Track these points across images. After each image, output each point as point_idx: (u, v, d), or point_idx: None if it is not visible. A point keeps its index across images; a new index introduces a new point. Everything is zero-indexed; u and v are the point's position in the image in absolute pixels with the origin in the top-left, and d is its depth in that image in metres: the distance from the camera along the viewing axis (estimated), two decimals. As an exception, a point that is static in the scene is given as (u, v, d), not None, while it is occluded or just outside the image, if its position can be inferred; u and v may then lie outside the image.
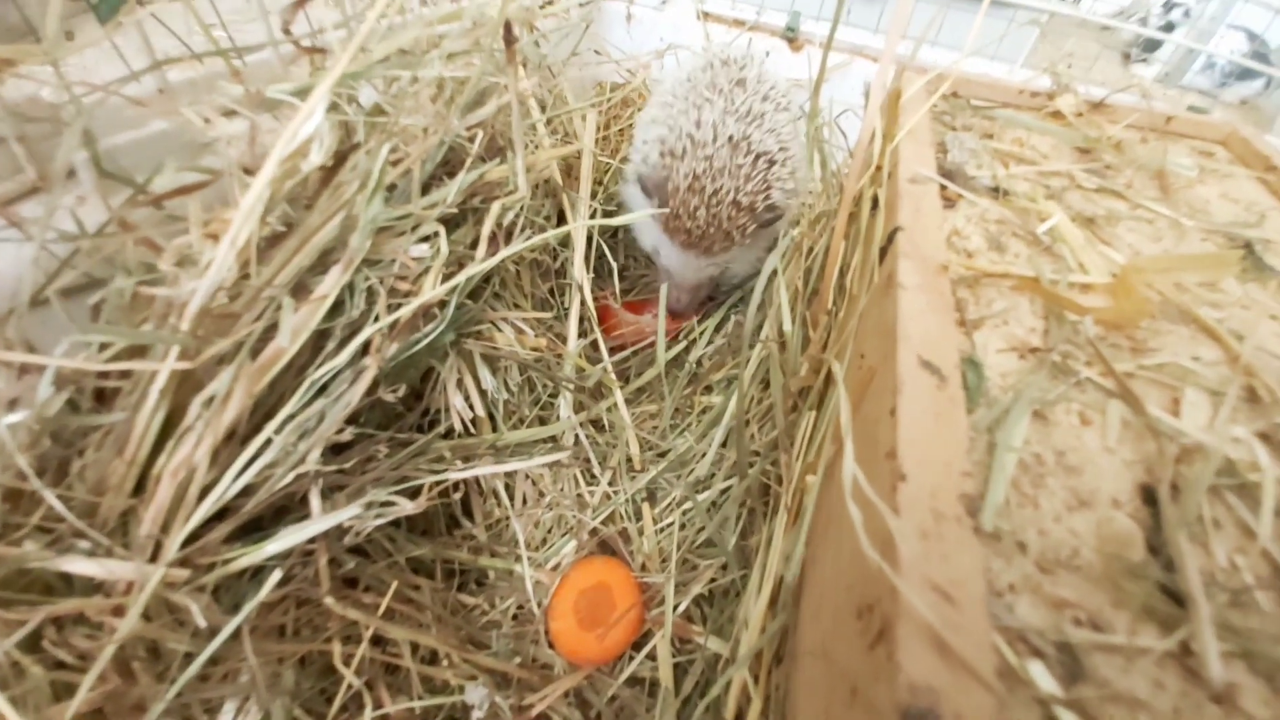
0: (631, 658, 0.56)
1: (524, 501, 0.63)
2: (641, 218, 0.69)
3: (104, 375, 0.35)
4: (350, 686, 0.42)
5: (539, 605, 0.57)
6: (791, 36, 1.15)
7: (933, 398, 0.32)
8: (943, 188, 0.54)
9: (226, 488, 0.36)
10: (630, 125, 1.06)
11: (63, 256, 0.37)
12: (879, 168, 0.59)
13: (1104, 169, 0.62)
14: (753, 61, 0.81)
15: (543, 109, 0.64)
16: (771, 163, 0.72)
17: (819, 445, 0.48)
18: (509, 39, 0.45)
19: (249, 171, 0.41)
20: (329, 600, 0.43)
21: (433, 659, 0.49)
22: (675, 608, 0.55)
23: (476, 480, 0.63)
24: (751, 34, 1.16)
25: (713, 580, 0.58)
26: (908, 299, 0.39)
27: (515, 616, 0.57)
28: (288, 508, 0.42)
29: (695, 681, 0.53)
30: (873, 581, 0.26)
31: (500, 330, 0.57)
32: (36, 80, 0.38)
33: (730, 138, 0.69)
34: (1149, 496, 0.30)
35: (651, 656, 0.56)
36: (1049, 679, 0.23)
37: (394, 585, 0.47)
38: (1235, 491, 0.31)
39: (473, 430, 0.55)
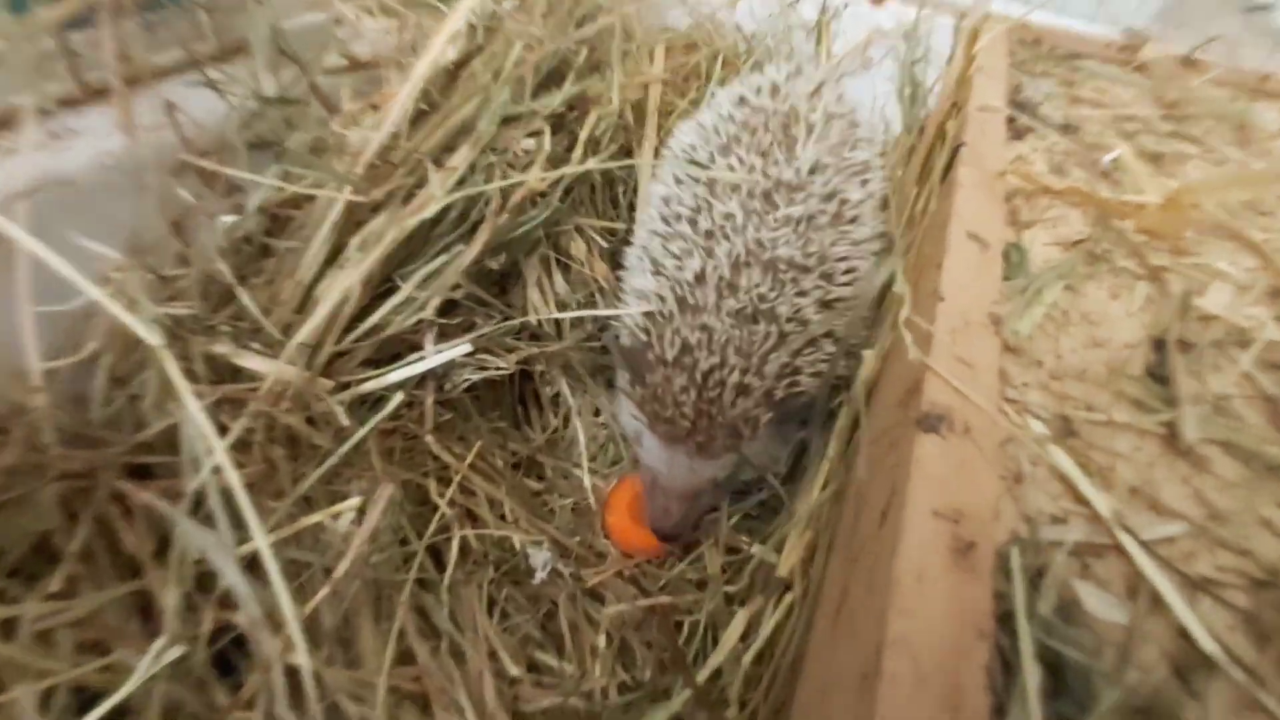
0: (682, 559, 0.69)
1: (579, 413, 0.77)
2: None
3: (283, 206, 0.50)
4: (443, 516, 0.56)
5: (595, 503, 0.70)
6: (874, -11, 1.28)
7: (976, 259, 0.45)
8: (1011, 120, 0.66)
9: (370, 318, 0.51)
10: (696, 69, 1.19)
11: (248, 114, 0.52)
12: (955, 104, 0.72)
13: (1183, 118, 0.74)
14: (820, 116, 0.62)
15: (629, 38, 0.79)
16: (808, 341, 0.54)
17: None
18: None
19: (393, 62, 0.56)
20: (429, 438, 0.57)
21: (503, 520, 0.63)
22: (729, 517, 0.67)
23: (536, 392, 0.77)
24: (830, -13, 1.30)
25: (761, 503, 0.71)
26: (963, 193, 0.51)
27: (573, 510, 0.71)
28: (399, 354, 0.57)
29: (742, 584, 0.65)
30: (912, 372, 0.38)
31: (576, 240, 0.72)
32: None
33: (742, 311, 0.53)
34: (1159, 344, 0.42)
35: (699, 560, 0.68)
36: (1043, 429, 0.35)
37: (478, 444, 0.62)
38: (1239, 346, 0.42)
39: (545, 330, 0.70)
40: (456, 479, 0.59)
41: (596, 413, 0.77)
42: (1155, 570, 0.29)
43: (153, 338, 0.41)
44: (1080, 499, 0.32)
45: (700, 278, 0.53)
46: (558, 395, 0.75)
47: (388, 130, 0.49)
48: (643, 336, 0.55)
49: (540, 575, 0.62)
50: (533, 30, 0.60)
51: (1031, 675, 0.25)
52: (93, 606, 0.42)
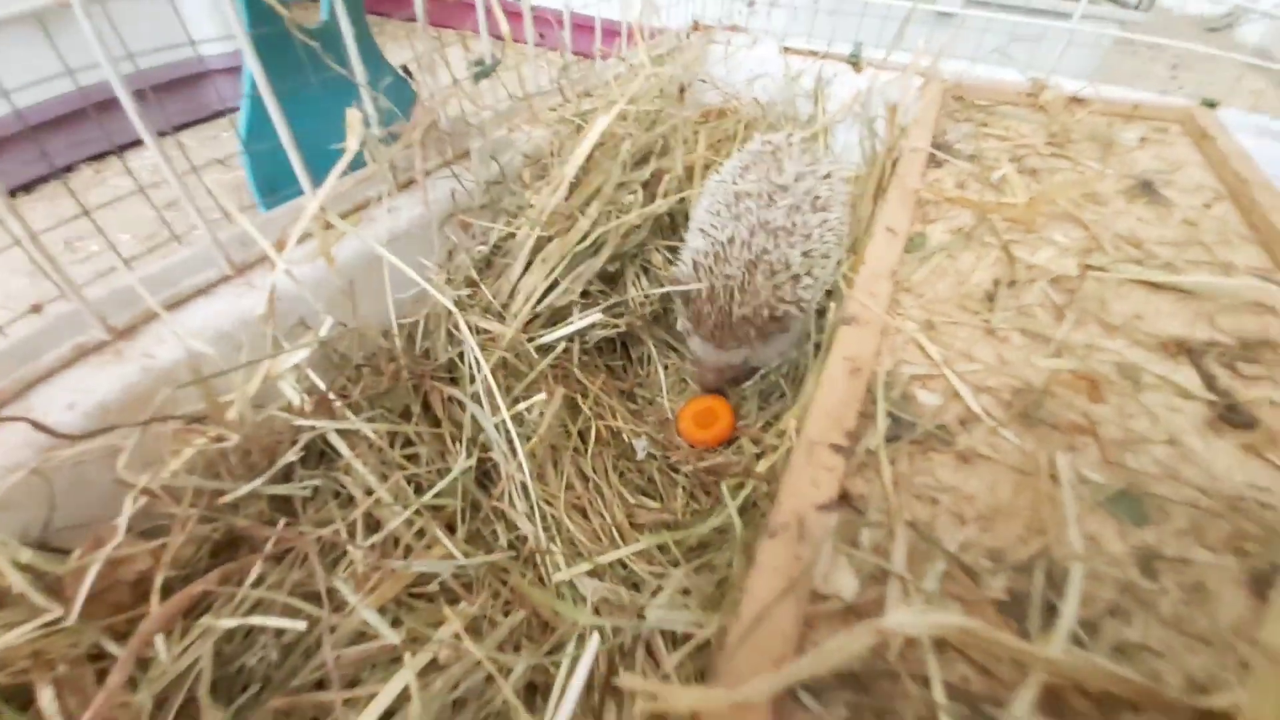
0: (727, 446, 0.90)
1: (659, 362, 0.99)
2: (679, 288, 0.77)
3: (503, 241, 0.76)
4: (585, 415, 0.80)
5: (671, 414, 0.93)
6: (855, 62, 1.45)
7: (888, 241, 0.64)
8: (932, 156, 0.84)
9: (545, 299, 0.76)
10: (729, 136, 1.40)
11: (475, 194, 0.79)
12: (894, 148, 0.90)
13: (1064, 142, 0.89)
14: (797, 151, 0.84)
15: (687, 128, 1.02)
16: (792, 277, 0.73)
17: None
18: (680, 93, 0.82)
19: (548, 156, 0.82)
20: (576, 370, 0.81)
21: (618, 425, 0.87)
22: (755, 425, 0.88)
23: (628, 351, 1.00)
24: (823, 61, 1.48)
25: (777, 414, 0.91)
26: (888, 203, 0.70)
27: (659, 420, 0.94)
28: (562, 320, 0.82)
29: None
30: (846, 300, 0.58)
31: (655, 254, 0.94)
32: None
33: (750, 260, 0.73)
34: (995, 285, 0.60)
35: (739, 450, 0.89)
36: (914, 325, 0.54)
37: (602, 376, 0.86)
38: (1047, 280, 0.60)
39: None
40: (592, 394, 0.83)
41: (666, 368, 1.00)
42: (959, 381, 0.48)
43: (451, 306, 0.67)
44: (927, 355, 0.51)
45: (730, 241, 0.74)
46: (645, 352, 0.99)
47: (558, 196, 0.74)
48: (691, 278, 0.76)
49: (640, 454, 0.85)
50: (631, 132, 0.83)
51: (881, 422, 0.45)
52: (425, 445, 0.68)
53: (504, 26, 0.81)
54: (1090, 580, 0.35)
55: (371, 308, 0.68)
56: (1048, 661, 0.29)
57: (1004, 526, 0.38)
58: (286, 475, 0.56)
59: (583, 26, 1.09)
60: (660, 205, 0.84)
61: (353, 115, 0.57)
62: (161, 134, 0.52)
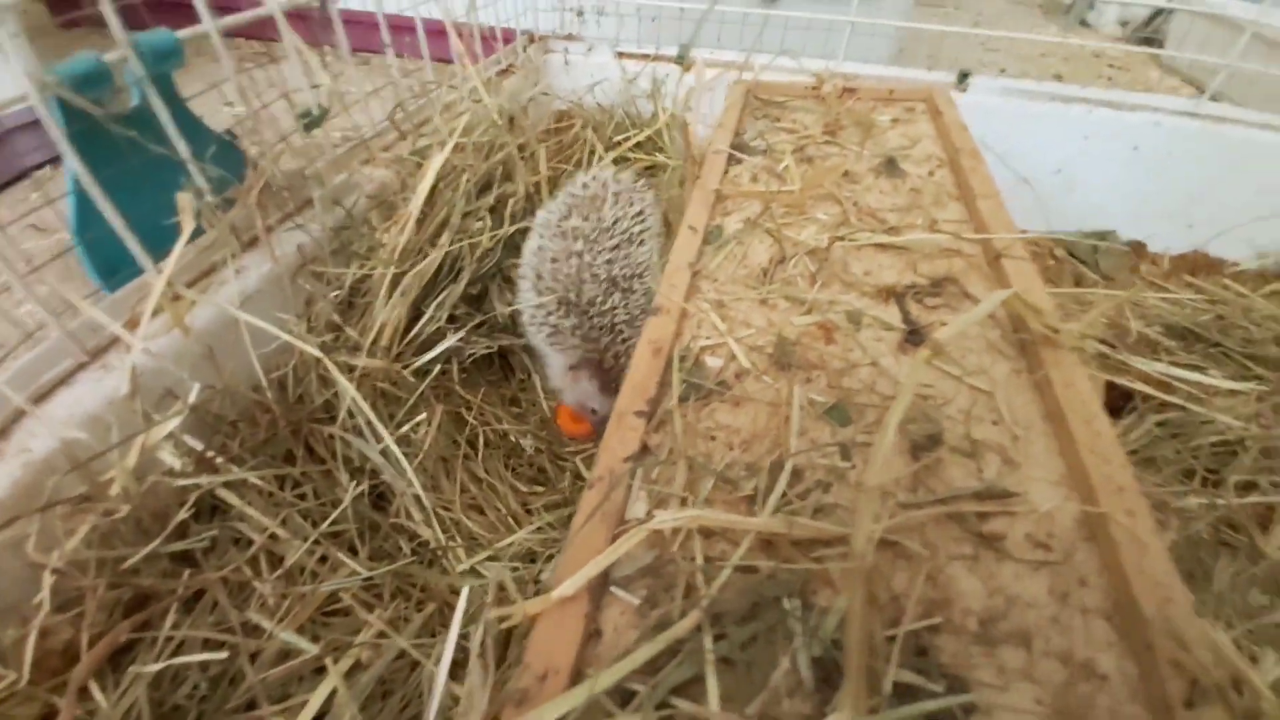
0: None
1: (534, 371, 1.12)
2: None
3: (359, 282, 0.84)
4: (472, 426, 0.91)
5: (551, 411, 1.06)
6: (682, 63, 1.63)
7: (689, 238, 0.80)
8: (731, 155, 1.02)
9: (414, 329, 0.85)
10: (575, 137, 1.53)
11: (324, 242, 0.86)
12: (701, 151, 1.07)
13: (837, 130, 1.11)
14: (612, 198, 0.95)
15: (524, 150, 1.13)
16: (627, 318, 0.87)
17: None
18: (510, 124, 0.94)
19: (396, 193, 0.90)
20: (457, 387, 0.92)
21: (504, 429, 0.98)
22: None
23: (507, 359, 1.12)
24: (655, 63, 1.65)
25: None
26: (691, 205, 0.87)
27: (540, 419, 1.06)
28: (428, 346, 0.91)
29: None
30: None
31: (514, 271, 1.06)
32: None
33: (628, 320, 0.86)
34: (770, 263, 0.78)
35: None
36: (708, 306, 0.71)
37: (483, 388, 0.97)
38: (809, 255, 0.79)
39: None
40: (475, 405, 0.94)
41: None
42: (735, 345, 0.65)
43: (316, 352, 0.75)
44: (715, 329, 0.68)
45: (581, 300, 0.87)
46: (521, 362, 1.11)
47: (407, 233, 0.84)
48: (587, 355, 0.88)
49: (529, 450, 0.98)
50: (470, 163, 0.94)
51: (676, 387, 0.61)
52: (314, 482, 0.76)
53: (346, 58, 0.88)
54: (807, 468, 0.52)
55: (239, 365, 0.74)
56: (759, 524, 0.45)
57: (757, 446, 0.55)
58: (183, 533, 0.63)
59: (431, 32, 1.16)
60: (508, 229, 0.95)
61: (182, 199, 0.63)
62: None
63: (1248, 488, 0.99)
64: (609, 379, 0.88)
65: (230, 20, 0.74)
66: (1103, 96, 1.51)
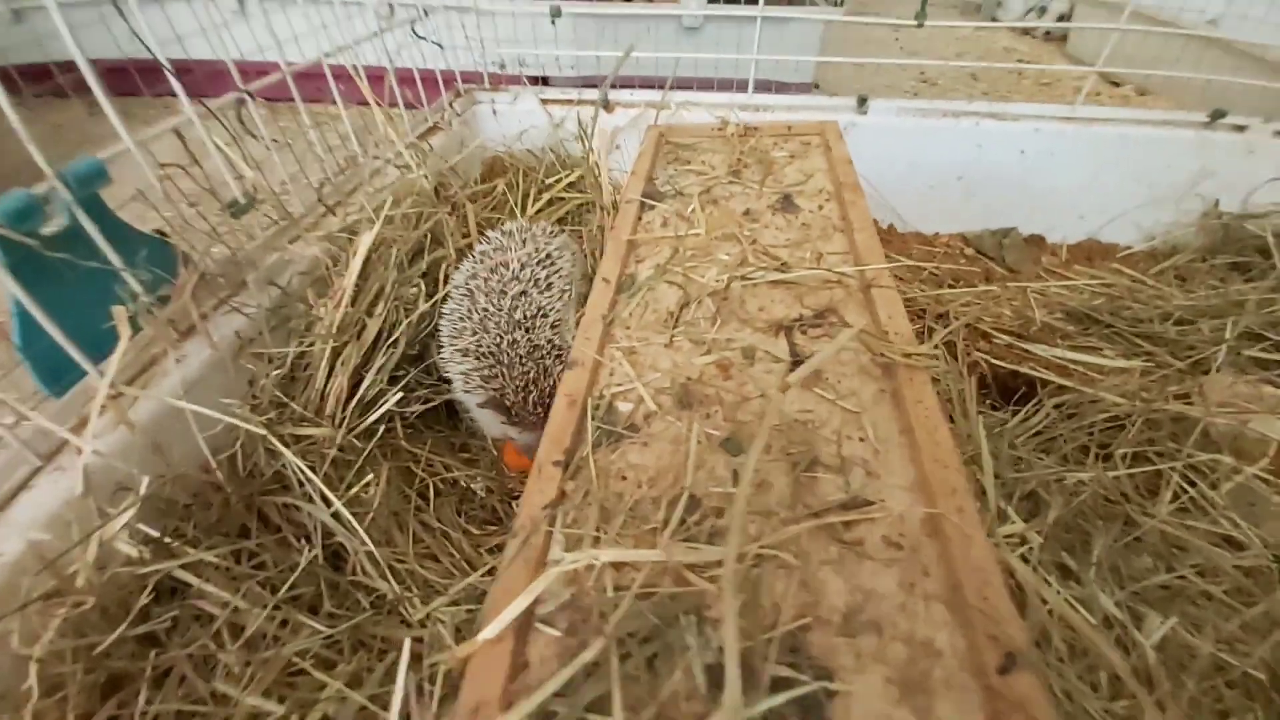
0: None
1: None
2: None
3: (300, 357, 0.90)
4: (421, 478, 0.97)
5: (497, 451, 1.13)
6: (605, 104, 1.74)
7: (603, 289, 0.89)
8: (643, 202, 1.12)
9: (356, 394, 0.91)
10: (510, 182, 1.61)
11: (259, 322, 0.92)
12: (615, 201, 1.17)
13: (741, 169, 1.22)
14: (519, 247, 1.04)
15: (454, 209, 1.21)
16: (555, 348, 0.96)
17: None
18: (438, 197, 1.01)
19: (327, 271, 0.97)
20: (403, 442, 0.98)
21: (453, 476, 1.05)
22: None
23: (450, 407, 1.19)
24: (579, 108, 1.75)
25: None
26: (605, 256, 0.96)
27: (490, 462, 1.13)
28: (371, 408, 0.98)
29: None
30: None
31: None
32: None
33: (529, 350, 0.93)
34: (678, 306, 0.87)
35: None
36: (620, 353, 0.79)
37: (429, 439, 1.03)
38: (712, 296, 0.88)
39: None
40: (423, 458, 1.00)
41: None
42: (642, 389, 0.74)
43: (259, 430, 0.80)
44: (625, 375, 0.76)
45: (496, 348, 0.93)
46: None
47: (343, 307, 0.90)
48: (495, 395, 0.94)
49: (480, 493, 1.05)
50: (400, 235, 1.01)
51: (590, 434, 0.69)
52: (270, 551, 0.81)
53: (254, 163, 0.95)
54: (704, 496, 0.61)
55: (187, 449, 0.79)
56: (650, 555, 0.53)
57: (662, 481, 0.64)
58: (146, 616, 0.68)
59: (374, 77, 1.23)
60: (442, 292, 1.03)
61: (118, 311, 0.69)
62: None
63: (1136, 459, 1.11)
64: (515, 412, 0.95)
65: (152, 132, 0.80)
66: (988, 109, 1.67)
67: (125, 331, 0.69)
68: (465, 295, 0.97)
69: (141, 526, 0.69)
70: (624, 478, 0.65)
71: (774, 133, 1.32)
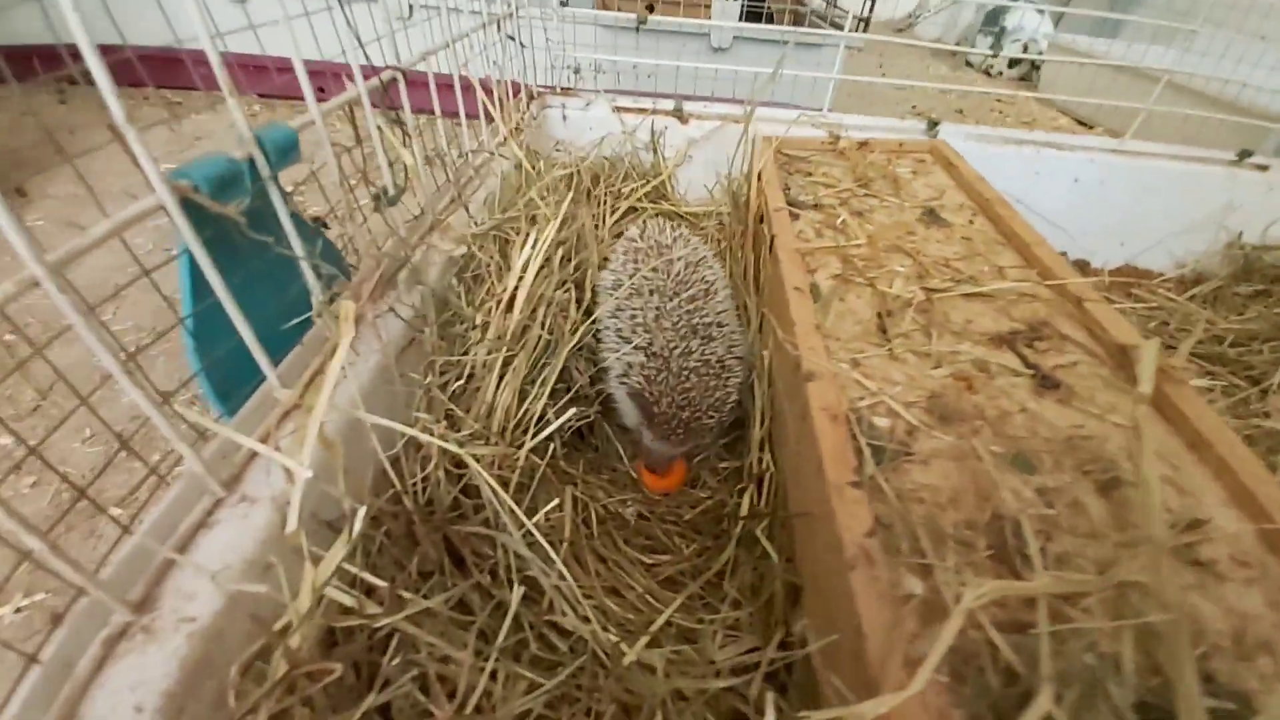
0: (689, 486, 1.05)
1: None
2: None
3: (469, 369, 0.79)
4: (584, 503, 0.88)
5: (634, 472, 1.05)
6: (679, 115, 1.71)
7: (800, 298, 0.84)
8: (790, 212, 1.09)
9: (523, 407, 0.82)
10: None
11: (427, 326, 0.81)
12: (760, 209, 1.13)
13: (867, 182, 1.21)
14: (681, 242, 1.01)
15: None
16: (722, 368, 0.87)
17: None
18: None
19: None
20: (562, 463, 0.89)
21: (608, 501, 0.96)
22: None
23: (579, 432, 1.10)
24: (653, 116, 1.71)
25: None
26: (784, 264, 0.91)
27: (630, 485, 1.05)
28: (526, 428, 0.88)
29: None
30: (791, 360, 0.76)
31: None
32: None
33: (688, 366, 0.86)
34: (879, 315, 0.84)
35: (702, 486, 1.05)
36: (846, 365, 0.75)
37: (582, 462, 0.94)
38: (907, 306, 0.85)
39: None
40: (579, 479, 0.91)
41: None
42: (894, 403, 0.69)
43: (454, 448, 0.70)
44: (864, 388, 0.71)
45: (666, 349, 0.87)
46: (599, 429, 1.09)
47: (517, 311, 0.81)
48: (645, 397, 0.87)
49: (631, 520, 0.96)
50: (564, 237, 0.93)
51: (866, 450, 0.63)
52: (457, 587, 0.70)
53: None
54: (1022, 520, 0.57)
55: (361, 472, 0.68)
56: (1044, 586, 0.48)
57: (964, 502, 0.59)
58: (369, 680, 0.56)
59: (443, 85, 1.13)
60: (609, 306, 0.94)
61: (345, 308, 0.59)
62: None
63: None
64: (659, 423, 0.88)
65: (330, 104, 0.70)
66: (1045, 139, 1.74)
67: (348, 331, 0.58)
68: (633, 293, 0.92)
69: (348, 567, 0.58)
70: (920, 500, 0.59)
71: (885, 149, 1.32)
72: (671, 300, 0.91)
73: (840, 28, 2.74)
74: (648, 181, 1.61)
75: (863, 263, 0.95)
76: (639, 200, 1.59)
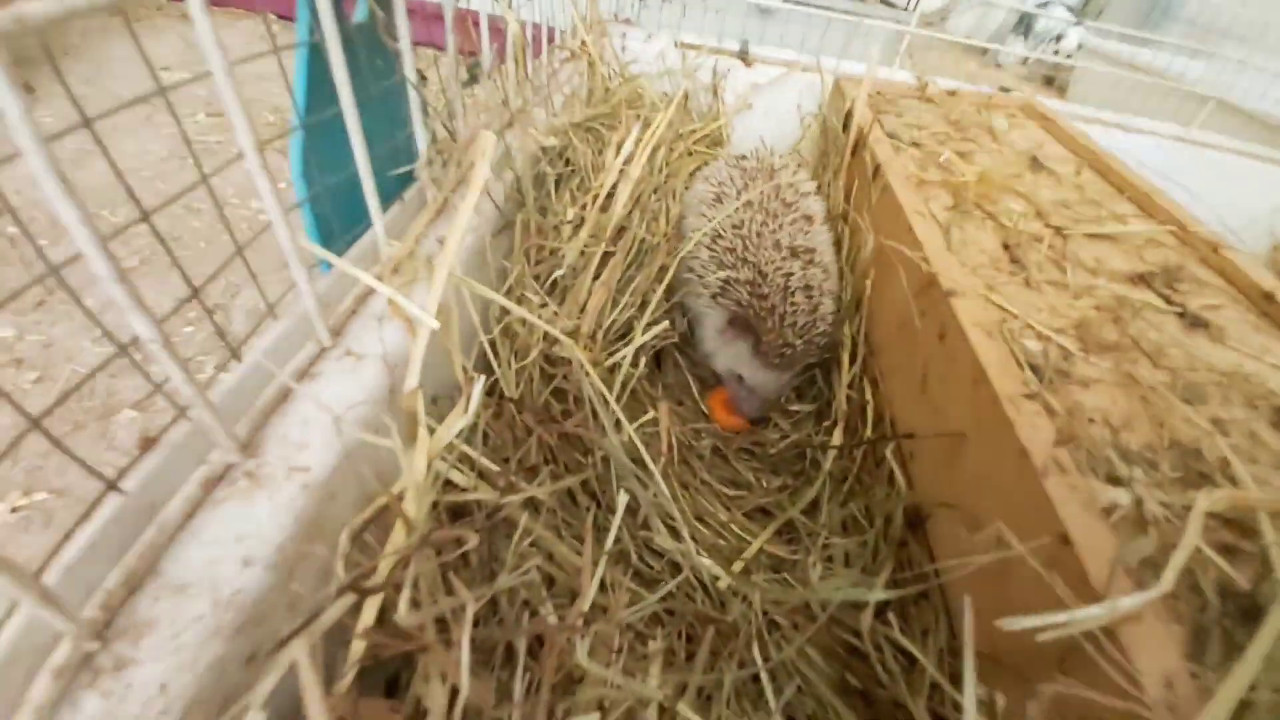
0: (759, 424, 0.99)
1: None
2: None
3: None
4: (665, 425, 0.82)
5: (707, 408, 0.99)
6: (744, 57, 1.62)
7: (925, 222, 0.78)
8: (892, 145, 1.02)
9: (612, 314, 0.75)
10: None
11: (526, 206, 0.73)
12: (859, 138, 1.06)
13: (962, 128, 1.14)
14: (790, 170, 0.96)
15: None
16: (821, 296, 0.84)
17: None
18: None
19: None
20: (644, 383, 0.82)
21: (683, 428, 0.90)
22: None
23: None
24: (716, 55, 1.62)
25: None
26: (898, 191, 0.85)
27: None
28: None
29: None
30: (921, 279, 0.71)
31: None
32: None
33: (789, 288, 0.82)
34: (1005, 246, 0.78)
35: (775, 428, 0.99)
36: (982, 286, 0.69)
37: (660, 386, 0.87)
38: (1036, 240, 0.80)
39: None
40: (659, 401, 0.85)
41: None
42: (1043, 328, 0.64)
43: (564, 338, 0.63)
44: (1006, 311, 0.66)
45: (766, 268, 0.83)
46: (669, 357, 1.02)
47: (620, 205, 0.74)
48: (758, 312, 0.82)
49: (706, 452, 0.90)
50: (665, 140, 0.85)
51: (1027, 368, 0.58)
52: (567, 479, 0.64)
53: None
54: (1206, 448, 0.52)
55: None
56: (1275, 498, 0.44)
57: (1138, 426, 0.54)
58: (485, 560, 0.50)
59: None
60: (721, 216, 0.87)
61: (485, 136, 0.51)
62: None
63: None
64: (761, 344, 0.83)
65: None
66: (1115, 119, 1.69)
67: (483, 170, 0.50)
68: (743, 206, 0.85)
69: (462, 446, 0.51)
70: (1091, 420, 0.54)
71: (973, 101, 1.26)
72: (775, 220, 0.84)
73: (892, 4, 2.66)
74: (704, 125, 1.53)
75: (977, 198, 0.89)
76: (694, 145, 1.51)
